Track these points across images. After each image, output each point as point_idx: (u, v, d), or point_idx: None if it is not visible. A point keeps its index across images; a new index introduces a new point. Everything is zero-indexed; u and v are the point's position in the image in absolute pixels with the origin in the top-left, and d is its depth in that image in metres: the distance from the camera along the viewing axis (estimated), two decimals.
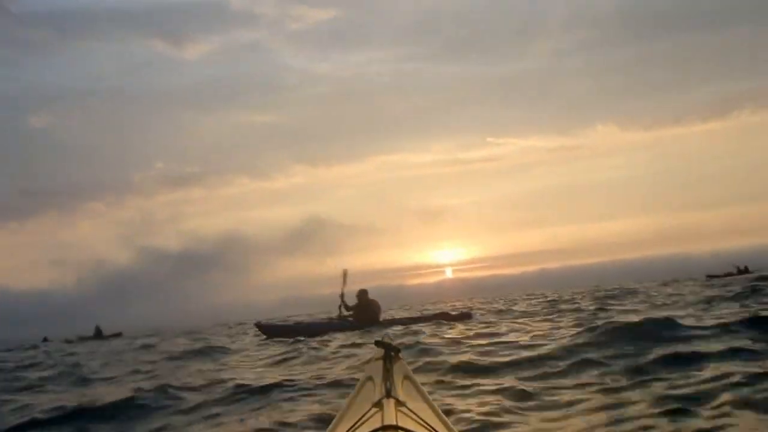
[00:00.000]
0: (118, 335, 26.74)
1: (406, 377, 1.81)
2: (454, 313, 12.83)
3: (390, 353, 1.85)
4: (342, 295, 12.24)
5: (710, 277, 27.84)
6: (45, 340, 28.20)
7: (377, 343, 1.91)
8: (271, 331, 12.59)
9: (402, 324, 11.70)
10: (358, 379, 1.88)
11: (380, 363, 1.81)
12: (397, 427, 1.38)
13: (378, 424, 1.40)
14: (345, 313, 12.20)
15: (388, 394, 1.55)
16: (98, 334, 26.92)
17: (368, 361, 1.99)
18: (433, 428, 1.47)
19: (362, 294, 12.11)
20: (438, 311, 13.63)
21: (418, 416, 1.49)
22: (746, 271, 28.42)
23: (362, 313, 11.95)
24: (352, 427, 1.46)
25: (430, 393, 1.87)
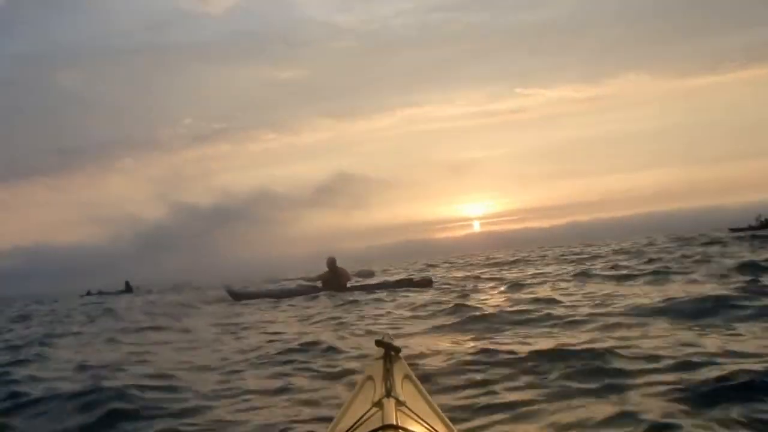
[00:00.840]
0: (148, 291, 27.52)
1: (406, 377, 1.81)
2: (416, 279, 13.22)
3: (390, 353, 1.86)
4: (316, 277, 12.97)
5: (733, 230, 27.97)
6: (88, 293, 29.13)
7: (377, 343, 1.91)
8: (240, 296, 13.31)
9: (366, 290, 12.29)
10: (357, 379, 1.88)
11: (380, 363, 1.81)
12: (397, 427, 1.38)
13: (378, 424, 1.40)
14: (314, 279, 13.02)
15: (388, 393, 1.55)
16: (128, 289, 28.51)
17: (369, 361, 2.00)
18: (433, 428, 1.47)
19: (331, 262, 12.65)
20: (401, 278, 13.98)
21: (418, 416, 1.50)
22: (767, 223, 28.48)
23: (330, 279, 12.60)
24: (352, 426, 1.46)
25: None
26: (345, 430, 1.47)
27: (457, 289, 10.94)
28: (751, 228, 27.89)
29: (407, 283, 12.54)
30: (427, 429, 1.45)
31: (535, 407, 2.98)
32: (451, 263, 26.70)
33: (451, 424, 1.62)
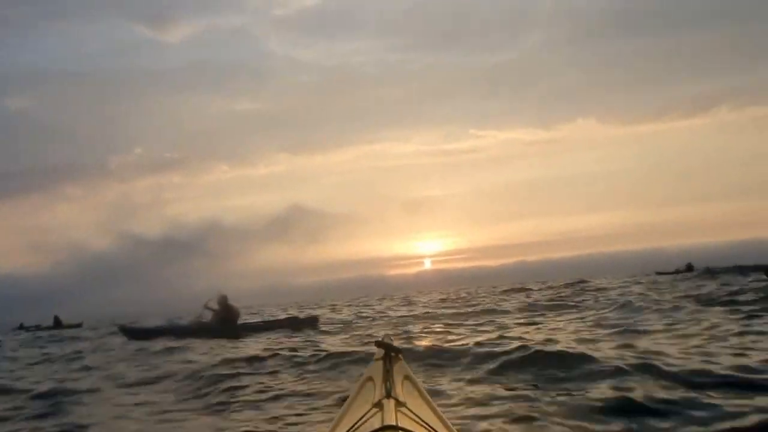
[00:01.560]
0: (78, 325, 26.36)
1: (406, 377, 1.81)
2: (302, 317, 13.69)
3: (390, 354, 1.86)
4: (208, 302, 12.87)
5: (659, 273, 29.64)
6: (21, 327, 27.52)
7: (377, 344, 1.91)
8: (133, 333, 13.31)
9: (254, 330, 12.53)
10: (358, 380, 1.88)
11: (380, 363, 1.81)
12: (397, 428, 1.38)
13: (378, 425, 1.40)
14: (205, 316, 12.87)
15: (388, 394, 1.55)
16: (57, 324, 26.74)
17: (370, 361, 2.00)
18: (433, 428, 1.47)
19: (222, 299, 12.80)
20: (288, 316, 14.45)
21: (418, 416, 1.50)
22: (690, 269, 29.94)
23: (221, 317, 12.66)
24: (352, 427, 1.46)
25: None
26: (345, 431, 1.47)
27: (339, 326, 11.65)
28: (677, 272, 29.50)
29: (294, 322, 12.93)
30: (427, 430, 1.45)
31: None
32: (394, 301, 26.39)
33: (450, 425, 1.62)
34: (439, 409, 1.68)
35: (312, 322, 12.76)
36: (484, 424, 3.15)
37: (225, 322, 12.44)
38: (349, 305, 23.50)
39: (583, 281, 25.39)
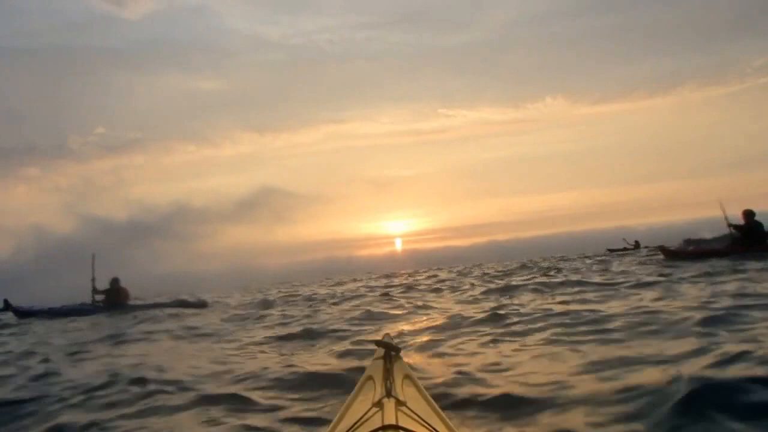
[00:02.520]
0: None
1: (407, 377, 1.81)
2: (192, 300, 14.01)
3: (390, 353, 1.86)
4: (93, 280, 13.68)
5: (610, 250, 29.95)
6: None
7: (377, 343, 1.92)
8: (23, 313, 13.86)
9: (145, 309, 13.00)
10: (358, 380, 1.88)
11: (380, 362, 1.82)
12: (397, 427, 1.38)
13: (378, 424, 1.40)
14: (97, 298, 13.63)
15: (389, 393, 1.55)
16: (6, 307, 26.68)
17: (369, 361, 2.00)
18: (433, 428, 1.47)
19: (114, 282, 13.65)
20: (179, 298, 14.68)
21: (418, 416, 1.50)
22: (638, 246, 30.92)
23: (111, 298, 13.49)
24: (352, 426, 1.46)
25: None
26: (345, 430, 1.47)
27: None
28: (625, 249, 30.20)
29: (182, 304, 13.44)
30: (428, 429, 1.45)
31: None
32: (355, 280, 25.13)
33: (451, 424, 1.62)
34: (439, 409, 1.68)
35: (201, 305, 13.21)
36: None
37: (115, 305, 13.25)
38: (296, 287, 22.40)
39: (529, 262, 24.17)
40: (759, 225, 11.75)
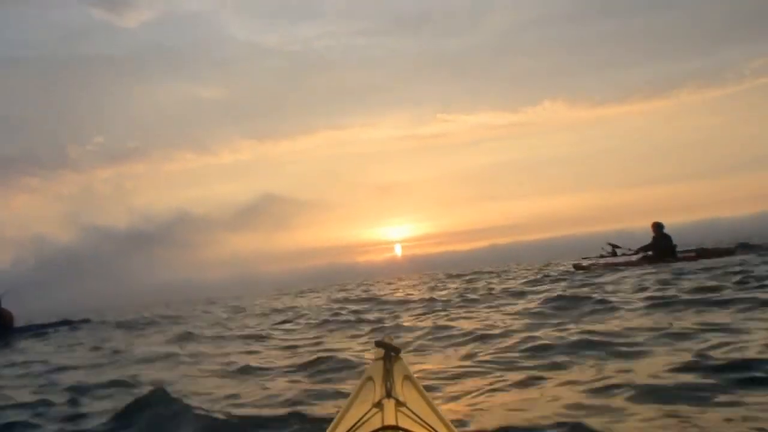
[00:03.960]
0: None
1: (407, 377, 1.81)
2: (76, 320, 14.39)
3: (390, 353, 1.86)
4: None
5: (584, 259, 29.38)
6: None
7: (377, 344, 1.91)
8: None
9: (29, 330, 13.18)
10: (358, 380, 1.88)
11: (380, 363, 1.82)
12: (397, 428, 1.38)
13: (378, 425, 1.40)
14: None
15: (389, 394, 1.55)
16: None
17: (369, 362, 2.00)
18: (433, 428, 1.47)
19: None
20: (62, 319, 15.06)
21: (418, 416, 1.49)
22: (614, 252, 30.39)
23: None
24: (352, 427, 1.46)
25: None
26: (345, 431, 1.47)
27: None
28: (601, 257, 29.89)
29: (67, 324, 13.68)
30: (427, 430, 1.45)
31: None
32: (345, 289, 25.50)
33: (451, 424, 1.62)
34: (439, 409, 1.68)
35: (84, 322, 13.50)
36: None
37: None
38: (278, 297, 22.39)
39: (504, 270, 24.22)
40: (667, 237, 11.92)
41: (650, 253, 12.04)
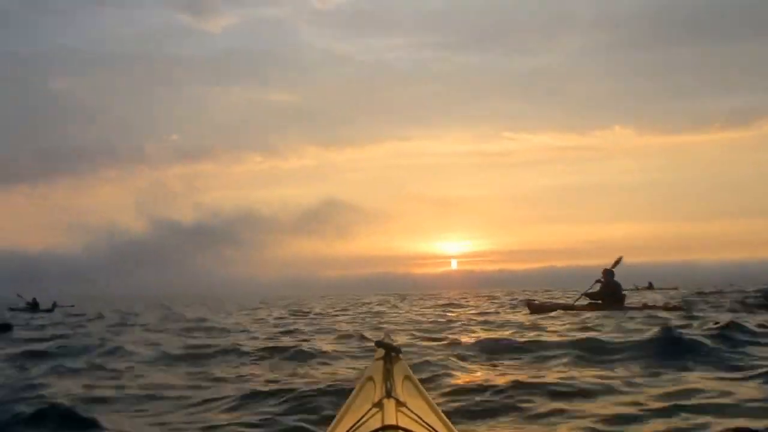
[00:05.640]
0: (51, 309, 26.43)
1: (407, 377, 1.81)
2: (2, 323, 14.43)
3: (390, 353, 1.86)
4: None
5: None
6: (54, 305, 28.13)
7: (377, 344, 1.92)
8: None
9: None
10: (358, 380, 1.88)
11: (380, 363, 1.82)
12: (397, 427, 1.38)
13: (378, 425, 1.40)
14: None
15: (389, 394, 1.56)
16: (35, 306, 27.27)
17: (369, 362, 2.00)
18: (433, 428, 1.48)
19: None
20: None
21: (418, 416, 1.50)
22: (651, 287, 30.14)
23: None
24: (352, 427, 1.47)
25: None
26: (345, 431, 1.47)
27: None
28: (636, 288, 28.42)
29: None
30: (428, 430, 1.45)
31: None
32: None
33: (451, 424, 1.62)
34: (439, 409, 1.69)
35: (4, 329, 12.89)
36: None
37: None
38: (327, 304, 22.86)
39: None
40: (617, 285, 11.97)
41: (599, 301, 12.02)
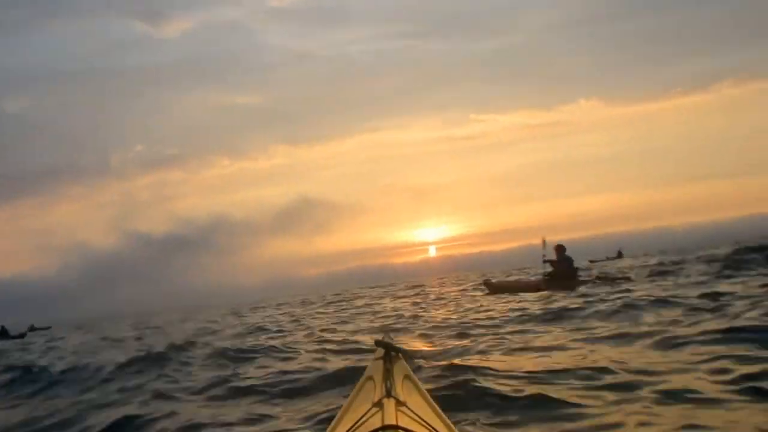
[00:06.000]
0: (22, 335, 25.83)
1: (407, 377, 1.81)
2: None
3: (390, 353, 1.86)
4: None
5: (591, 261, 29.03)
6: (32, 328, 27.86)
7: (377, 343, 1.92)
8: None
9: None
10: (358, 380, 1.88)
11: (380, 363, 1.82)
12: (397, 427, 1.38)
13: (378, 424, 1.40)
14: None
15: (389, 393, 1.56)
16: (4, 334, 26.82)
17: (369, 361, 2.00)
18: (433, 428, 1.48)
19: None
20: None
21: (418, 416, 1.50)
22: (620, 255, 31.28)
23: None
24: (352, 426, 1.47)
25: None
26: (345, 431, 1.47)
27: None
28: (607, 258, 30.13)
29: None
30: (428, 429, 1.45)
31: None
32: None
33: (451, 424, 1.62)
34: (439, 409, 1.69)
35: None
36: None
37: None
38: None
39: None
40: (569, 260, 11.95)
41: (553, 277, 12.00)
